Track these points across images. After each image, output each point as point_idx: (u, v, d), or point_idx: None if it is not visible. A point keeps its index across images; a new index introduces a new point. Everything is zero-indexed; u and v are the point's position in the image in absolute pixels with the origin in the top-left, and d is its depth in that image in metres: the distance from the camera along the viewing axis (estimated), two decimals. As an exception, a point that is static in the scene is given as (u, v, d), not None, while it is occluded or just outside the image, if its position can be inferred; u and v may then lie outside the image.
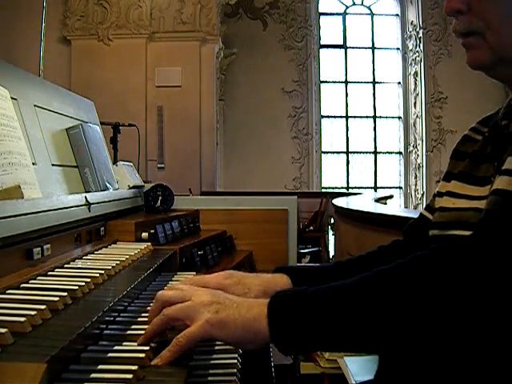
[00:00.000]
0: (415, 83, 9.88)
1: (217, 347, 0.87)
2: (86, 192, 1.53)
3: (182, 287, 0.85)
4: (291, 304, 0.73)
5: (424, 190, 9.73)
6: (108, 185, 1.70)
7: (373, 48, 10.22)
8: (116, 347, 0.76)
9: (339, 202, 4.78)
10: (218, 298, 0.78)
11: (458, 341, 0.71)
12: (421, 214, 1.11)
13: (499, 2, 0.85)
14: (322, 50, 10.08)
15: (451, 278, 0.70)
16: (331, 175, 10.18)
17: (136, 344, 0.78)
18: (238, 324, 0.74)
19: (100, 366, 0.68)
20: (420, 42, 9.72)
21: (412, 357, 0.84)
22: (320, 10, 10.04)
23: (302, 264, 5.13)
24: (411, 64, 9.95)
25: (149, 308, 0.98)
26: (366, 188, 10.08)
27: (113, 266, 1.08)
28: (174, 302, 0.79)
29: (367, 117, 10.17)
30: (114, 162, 2.19)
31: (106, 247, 1.35)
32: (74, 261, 1.12)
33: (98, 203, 1.45)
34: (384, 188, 10.09)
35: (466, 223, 0.90)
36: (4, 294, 0.82)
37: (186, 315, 0.77)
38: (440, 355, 0.80)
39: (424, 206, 1.18)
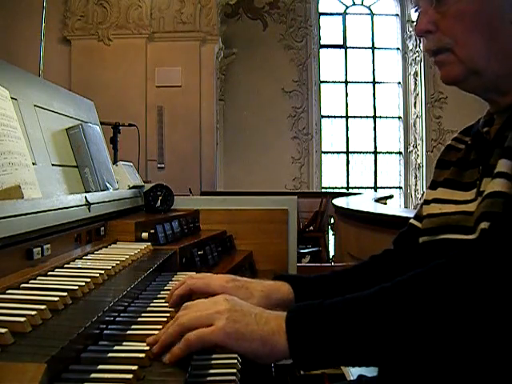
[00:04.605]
0: (415, 83, 9.88)
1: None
2: (86, 192, 1.53)
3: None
4: (309, 320, 0.72)
5: (424, 190, 9.72)
6: (108, 185, 1.70)
7: (373, 48, 10.22)
8: (116, 347, 0.76)
9: (339, 202, 4.79)
10: (234, 306, 0.76)
11: (478, 353, 0.71)
12: (410, 224, 1.12)
13: (463, 18, 0.90)
14: (322, 50, 10.08)
15: (471, 291, 0.70)
16: (331, 175, 10.18)
17: (135, 344, 0.78)
18: (255, 336, 0.72)
19: (100, 366, 0.68)
20: (420, 41, 9.72)
21: (431, 369, 0.83)
22: (320, 10, 10.04)
23: (302, 264, 5.13)
24: (411, 64, 9.95)
25: (149, 308, 0.98)
26: (366, 188, 10.08)
27: (113, 266, 1.08)
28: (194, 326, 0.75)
29: (367, 117, 10.18)
30: (114, 161, 2.19)
31: (106, 247, 1.34)
32: (73, 261, 1.12)
33: (98, 203, 1.45)
34: (384, 188, 10.10)
35: (455, 227, 0.92)
36: (4, 294, 0.82)
37: (201, 324, 0.74)
38: (461, 367, 0.79)
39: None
